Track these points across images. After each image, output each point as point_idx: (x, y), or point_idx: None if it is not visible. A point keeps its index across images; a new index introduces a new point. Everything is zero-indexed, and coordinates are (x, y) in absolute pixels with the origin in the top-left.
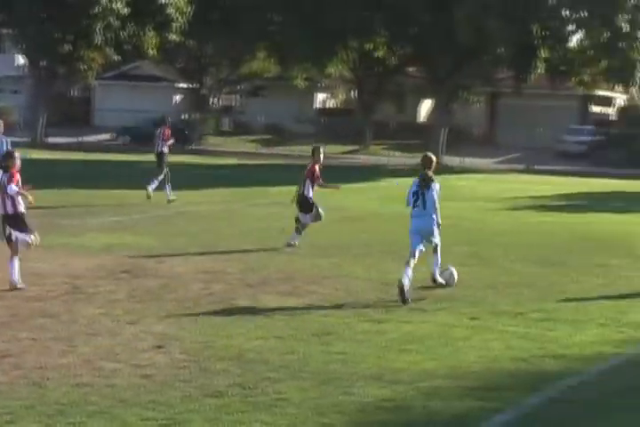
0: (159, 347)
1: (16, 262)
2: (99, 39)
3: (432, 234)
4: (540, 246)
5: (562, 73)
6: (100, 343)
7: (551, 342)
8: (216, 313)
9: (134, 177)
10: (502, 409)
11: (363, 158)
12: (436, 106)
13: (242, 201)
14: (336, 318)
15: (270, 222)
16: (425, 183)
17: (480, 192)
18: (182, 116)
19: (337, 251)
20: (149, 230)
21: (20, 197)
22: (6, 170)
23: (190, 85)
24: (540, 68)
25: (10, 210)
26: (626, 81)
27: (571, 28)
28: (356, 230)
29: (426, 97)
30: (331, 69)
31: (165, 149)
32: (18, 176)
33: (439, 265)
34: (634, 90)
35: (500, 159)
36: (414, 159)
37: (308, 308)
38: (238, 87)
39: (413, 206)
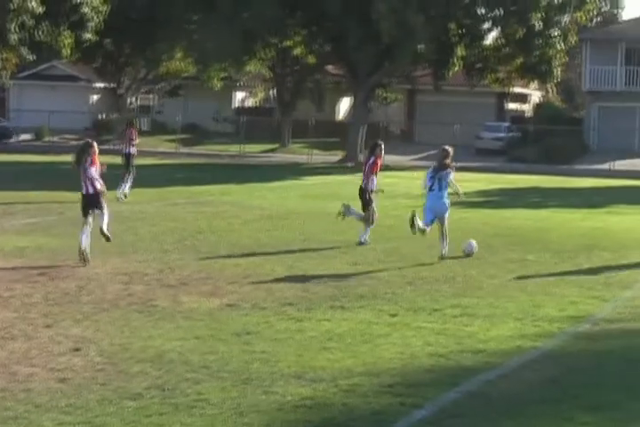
0: (76, 350)
1: None
2: (13, 38)
3: (444, 213)
4: (459, 242)
5: (478, 70)
6: (16, 347)
7: (468, 337)
8: (135, 314)
9: (52, 178)
10: (421, 405)
11: (282, 157)
12: (355, 103)
13: (161, 201)
14: (257, 318)
15: (189, 222)
16: (441, 169)
17: (400, 189)
18: (99, 116)
19: (258, 250)
20: (66, 232)
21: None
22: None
23: (107, 85)
24: (458, 66)
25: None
26: (541, 78)
27: (487, 25)
28: (276, 229)
29: (345, 95)
30: (249, 68)
31: (133, 150)
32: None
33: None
34: (549, 87)
35: (420, 156)
36: (334, 157)
37: (229, 307)
38: (156, 87)
39: (430, 189)
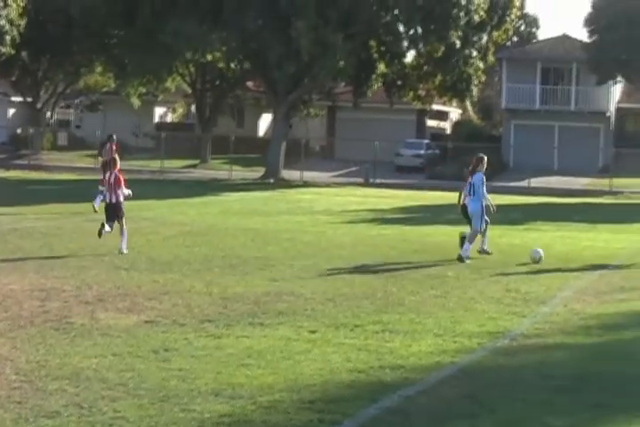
0: None
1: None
2: None
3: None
4: (379, 258)
5: (399, 87)
6: None
7: (389, 353)
8: (51, 331)
9: None
10: (340, 421)
11: (203, 173)
12: (275, 120)
13: (78, 216)
14: (175, 334)
15: (108, 238)
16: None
17: (320, 206)
18: (17, 131)
19: (177, 266)
20: None
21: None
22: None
23: (25, 99)
24: (378, 83)
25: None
26: (460, 96)
27: (407, 43)
28: (196, 245)
29: (265, 111)
30: (169, 84)
31: None
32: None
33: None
34: (468, 104)
35: (340, 173)
36: (254, 173)
37: (147, 324)
38: (75, 101)
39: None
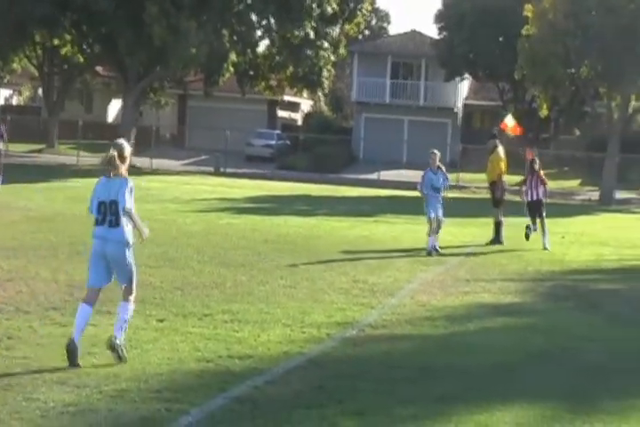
0: None
1: None
2: None
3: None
4: (228, 248)
5: (250, 77)
6: None
7: (238, 342)
8: None
9: None
10: (187, 411)
11: (49, 158)
12: (125, 106)
13: None
14: (19, 322)
15: None
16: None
17: (170, 194)
18: None
19: (22, 252)
20: None
21: None
22: None
23: None
24: (230, 72)
25: None
26: (311, 87)
27: (259, 33)
28: (42, 231)
29: (115, 97)
30: (15, 65)
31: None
32: None
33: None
34: (319, 96)
35: (190, 161)
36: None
37: None
38: None
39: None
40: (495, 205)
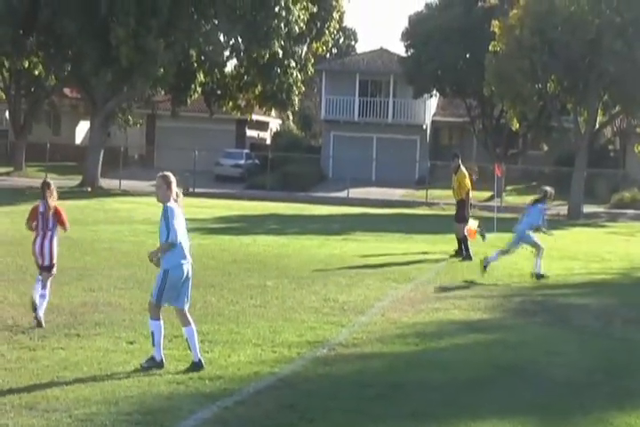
0: None
1: None
2: None
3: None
4: (197, 269)
5: (218, 97)
6: None
7: (208, 363)
8: None
9: None
10: None
11: (17, 180)
12: (93, 127)
13: None
14: None
15: None
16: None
17: (138, 215)
18: None
19: None
20: None
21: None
22: None
23: None
24: (197, 92)
25: None
26: (280, 106)
27: (227, 52)
28: (9, 255)
29: (83, 118)
30: None
31: None
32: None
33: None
34: (288, 115)
35: None
36: (72, 181)
37: None
38: None
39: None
40: (458, 220)
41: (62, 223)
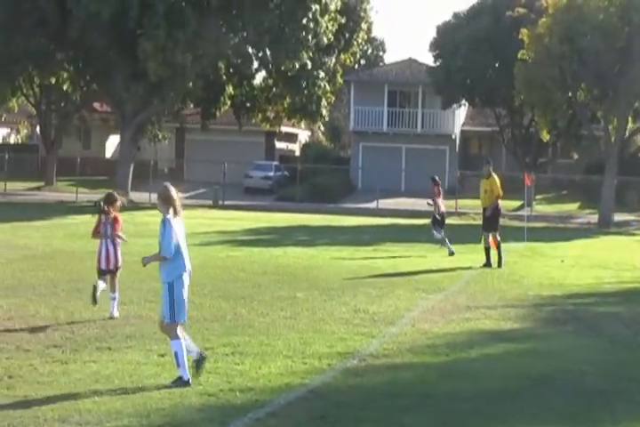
0: None
1: None
2: None
3: None
4: (228, 281)
5: (247, 109)
6: None
7: (239, 375)
8: None
9: None
10: None
11: (48, 195)
12: (123, 141)
13: None
14: (20, 361)
15: None
16: None
17: None
18: None
19: (21, 290)
20: None
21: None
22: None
23: None
24: (227, 105)
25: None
26: (309, 117)
27: (256, 64)
28: (41, 269)
29: (113, 132)
30: (12, 103)
31: None
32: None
33: None
34: (317, 126)
35: (189, 195)
36: (102, 195)
37: None
38: None
39: None
40: (494, 229)
41: (114, 230)
